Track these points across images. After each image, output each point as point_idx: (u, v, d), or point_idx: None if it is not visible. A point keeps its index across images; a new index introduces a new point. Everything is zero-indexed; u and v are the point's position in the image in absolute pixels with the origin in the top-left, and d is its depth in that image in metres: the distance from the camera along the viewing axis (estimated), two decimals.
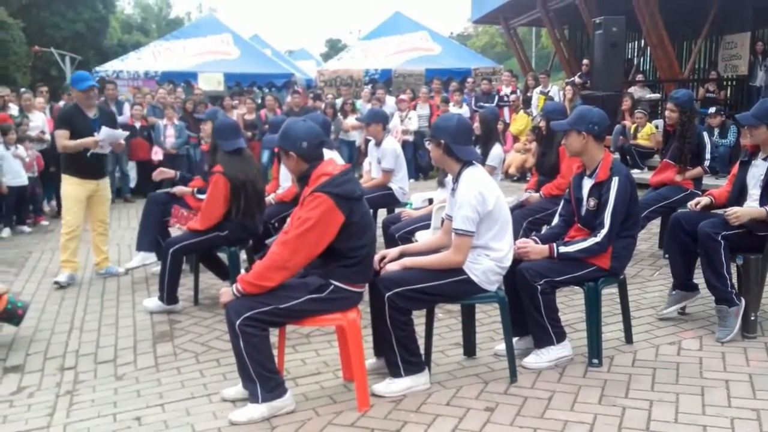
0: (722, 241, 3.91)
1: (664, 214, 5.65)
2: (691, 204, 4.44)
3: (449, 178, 3.69)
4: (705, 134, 5.66)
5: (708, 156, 5.56)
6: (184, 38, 17.11)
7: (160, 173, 6.28)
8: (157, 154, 10.38)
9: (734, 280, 4.08)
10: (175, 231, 5.50)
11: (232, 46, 16.84)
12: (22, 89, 11.23)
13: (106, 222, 6.06)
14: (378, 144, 6.26)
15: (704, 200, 4.35)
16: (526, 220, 5.28)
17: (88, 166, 5.74)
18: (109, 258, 6.17)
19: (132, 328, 4.73)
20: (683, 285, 4.40)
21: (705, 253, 3.99)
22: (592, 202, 3.75)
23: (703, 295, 4.74)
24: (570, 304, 4.73)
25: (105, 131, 5.63)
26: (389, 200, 6.30)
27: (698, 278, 4.31)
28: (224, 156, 4.82)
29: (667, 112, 5.63)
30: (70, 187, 5.77)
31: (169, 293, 4.92)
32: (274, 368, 3.26)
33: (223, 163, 4.79)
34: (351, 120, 11.31)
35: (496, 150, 5.66)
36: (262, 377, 3.20)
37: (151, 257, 5.83)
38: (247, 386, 3.27)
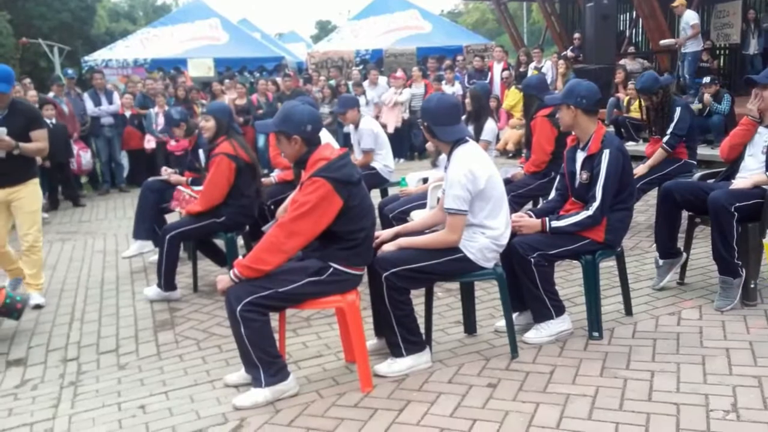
0: (735, 213, 3.87)
1: (660, 184, 5.64)
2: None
3: (443, 157, 3.68)
4: (679, 109, 5.53)
5: (670, 131, 5.48)
6: (172, 24, 17.00)
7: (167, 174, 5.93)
8: (149, 143, 10.33)
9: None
10: (172, 218, 5.49)
11: (221, 30, 16.73)
12: None
13: (27, 238, 4.95)
14: (356, 127, 6.31)
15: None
16: (509, 196, 5.28)
17: None
18: (40, 286, 5.14)
19: (133, 317, 4.73)
20: (668, 253, 4.41)
21: (717, 224, 3.93)
22: (584, 175, 3.74)
23: (701, 264, 4.77)
24: (569, 278, 4.74)
25: None
26: (376, 180, 6.31)
27: (696, 247, 4.31)
28: (238, 137, 4.92)
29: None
30: None
31: (167, 280, 4.92)
32: (275, 352, 3.26)
33: (236, 144, 4.83)
34: None
35: (490, 124, 5.66)
36: (265, 362, 3.20)
37: (148, 245, 5.82)
38: (250, 371, 3.28)
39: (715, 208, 3.91)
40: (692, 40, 10.59)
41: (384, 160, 6.33)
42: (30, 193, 4.93)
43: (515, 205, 5.12)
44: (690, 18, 10.52)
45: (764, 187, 3.94)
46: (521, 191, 5.45)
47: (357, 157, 6.37)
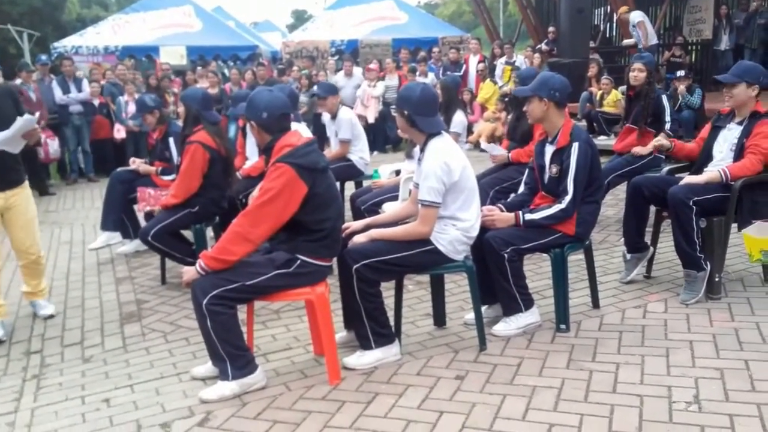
0: (694, 207, 3.92)
1: (630, 179, 5.68)
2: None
3: (417, 149, 3.67)
4: (664, 98, 5.59)
5: (668, 119, 5.51)
6: (144, 11, 16.71)
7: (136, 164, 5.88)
8: (119, 132, 10.18)
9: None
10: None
11: (194, 18, 16.51)
12: None
13: (32, 251, 4.38)
14: (333, 117, 6.22)
15: (662, 141, 4.42)
16: (493, 189, 5.27)
17: None
18: (44, 291, 4.65)
19: (99, 309, 4.67)
20: (636, 247, 4.46)
21: (677, 218, 3.98)
22: (554, 169, 3.76)
23: (667, 258, 4.82)
24: (538, 271, 4.77)
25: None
26: (351, 172, 6.25)
27: (663, 241, 4.36)
28: (210, 127, 4.82)
29: (634, 73, 5.54)
30: None
31: (190, 251, 4.85)
32: (243, 345, 3.24)
33: (212, 135, 4.77)
34: None
35: (459, 117, 5.65)
36: (232, 355, 3.17)
37: (115, 237, 5.75)
38: (217, 364, 3.25)
39: (674, 203, 3.97)
40: (649, 35, 10.62)
41: (360, 152, 6.27)
42: (27, 197, 4.34)
43: (495, 200, 5.05)
44: (635, 17, 10.55)
45: (730, 182, 3.99)
46: (505, 185, 5.27)
47: (333, 147, 6.31)
